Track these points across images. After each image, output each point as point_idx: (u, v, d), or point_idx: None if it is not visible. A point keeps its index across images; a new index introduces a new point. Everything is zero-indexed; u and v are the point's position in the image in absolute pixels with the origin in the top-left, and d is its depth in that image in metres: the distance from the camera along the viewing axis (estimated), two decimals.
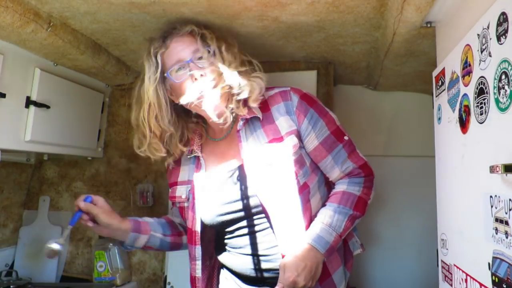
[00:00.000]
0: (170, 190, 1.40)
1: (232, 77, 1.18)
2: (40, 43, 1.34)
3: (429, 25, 1.13)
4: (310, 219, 1.21)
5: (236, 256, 1.27)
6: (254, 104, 1.22)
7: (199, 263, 1.29)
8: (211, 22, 1.29)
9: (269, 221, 1.18)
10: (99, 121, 1.91)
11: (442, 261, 1.03)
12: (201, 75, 1.17)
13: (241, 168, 1.22)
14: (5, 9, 1.12)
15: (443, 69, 1.01)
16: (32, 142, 1.47)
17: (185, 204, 1.31)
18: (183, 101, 1.20)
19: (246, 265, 1.24)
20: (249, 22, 1.31)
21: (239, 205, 1.21)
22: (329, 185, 1.31)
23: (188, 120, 1.32)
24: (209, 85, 1.17)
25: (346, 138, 1.26)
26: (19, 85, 1.41)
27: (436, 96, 1.08)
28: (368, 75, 1.87)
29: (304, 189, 1.20)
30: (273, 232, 1.18)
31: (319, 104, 1.27)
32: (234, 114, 1.23)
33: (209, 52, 1.19)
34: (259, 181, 1.18)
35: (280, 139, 1.20)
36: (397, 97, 2.04)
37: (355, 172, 1.25)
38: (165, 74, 1.22)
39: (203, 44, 1.20)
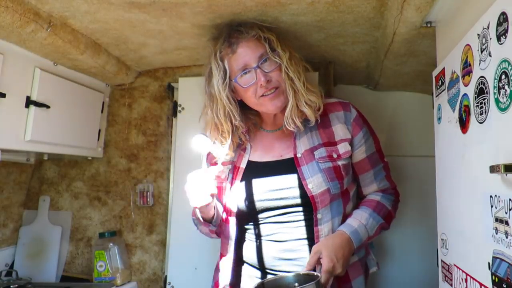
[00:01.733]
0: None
1: (301, 88, 1.24)
2: (40, 43, 1.34)
3: (429, 25, 1.13)
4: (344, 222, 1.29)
5: (263, 244, 1.29)
6: (312, 118, 1.28)
7: (232, 243, 1.32)
8: (274, 24, 1.31)
9: (313, 215, 1.23)
10: (99, 121, 1.91)
11: (442, 261, 1.03)
12: (268, 80, 1.23)
13: (292, 161, 1.28)
14: (5, 9, 1.12)
15: (443, 69, 1.01)
16: (32, 142, 1.47)
17: (224, 184, 1.37)
18: (245, 101, 1.31)
19: (272, 252, 1.27)
20: (249, 22, 1.31)
21: (285, 194, 1.26)
22: (356, 200, 1.40)
23: (247, 111, 1.38)
24: (273, 90, 1.24)
25: (385, 160, 1.41)
26: (19, 85, 1.41)
27: (436, 96, 1.08)
28: (368, 75, 1.87)
29: (345, 194, 1.30)
30: (314, 225, 1.23)
31: (370, 124, 1.40)
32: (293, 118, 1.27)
33: (274, 56, 1.23)
34: (311, 176, 1.25)
35: (334, 143, 1.29)
36: (397, 97, 2.03)
37: (389, 191, 1.39)
38: (233, 80, 1.27)
39: (268, 49, 1.24)
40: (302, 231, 1.26)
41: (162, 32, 1.44)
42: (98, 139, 1.92)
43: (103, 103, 1.94)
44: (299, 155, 1.28)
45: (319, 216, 1.23)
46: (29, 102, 1.44)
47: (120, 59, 1.74)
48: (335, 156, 1.27)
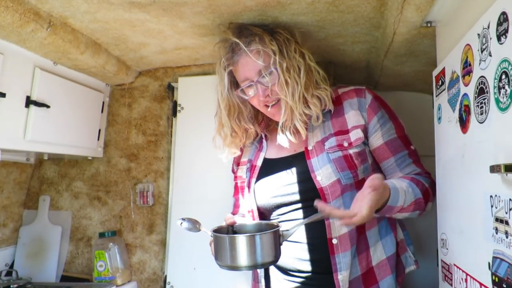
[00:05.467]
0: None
1: (294, 105, 1.22)
2: (40, 42, 1.34)
3: (429, 25, 1.13)
4: None
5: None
6: (303, 132, 1.25)
7: None
8: (273, 24, 1.32)
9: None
10: (99, 120, 1.91)
11: (442, 260, 1.03)
12: (267, 95, 1.24)
13: (303, 154, 1.26)
14: (5, 8, 1.12)
15: (443, 68, 1.01)
16: (32, 141, 1.47)
17: (245, 184, 1.39)
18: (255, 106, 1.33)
19: (288, 253, 1.24)
20: (249, 22, 1.31)
21: (295, 188, 1.24)
22: None
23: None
24: (274, 103, 1.26)
25: (412, 147, 1.29)
26: (19, 85, 1.41)
27: (436, 96, 1.08)
28: (368, 74, 1.87)
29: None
30: (325, 219, 1.18)
31: (391, 109, 1.31)
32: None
33: (272, 72, 1.23)
34: (320, 168, 1.22)
35: (346, 131, 1.25)
36: (397, 96, 2.03)
37: (422, 175, 1.23)
38: (237, 91, 1.30)
39: (267, 65, 1.23)
40: (316, 228, 1.20)
41: (162, 32, 1.44)
42: (98, 139, 1.92)
43: (103, 103, 1.94)
44: (310, 147, 1.26)
45: None
46: (29, 102, 1.44)
47: (120, 58, 1.74)
48: (346, 144, 1.22)
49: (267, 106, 1.27)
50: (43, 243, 1.92)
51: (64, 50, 1.44)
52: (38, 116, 1.47)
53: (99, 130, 1.93)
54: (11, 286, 1.68)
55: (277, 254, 1.06)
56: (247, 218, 1.37)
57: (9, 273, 1.80)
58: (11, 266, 1.89)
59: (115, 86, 1.98)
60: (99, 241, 1.86)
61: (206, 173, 1.83)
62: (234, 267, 1.04)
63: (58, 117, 1.60)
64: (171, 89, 1.95)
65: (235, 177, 1.49)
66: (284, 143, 1.27)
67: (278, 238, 1.06)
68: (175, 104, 1.93)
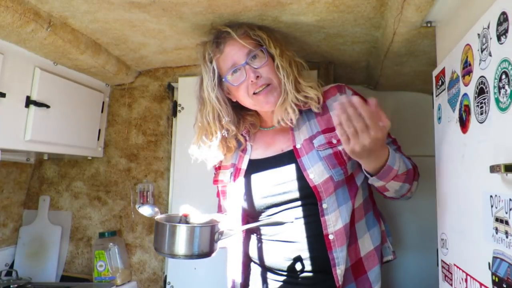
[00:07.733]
0: (214, 174, 1.46)
1: (288, 86, 1.22)
2: (40, 42, 1.34)
3: (429, 25, 1.13)
4: (353, 212, 1.23)
5: (269, 244, 1.28)
6: (315, 109, 1.26)
7: (239, 244, 1.32)
8: (273, 24, 1.32)
9: (318, 205, 1.19)
10: (99, 120, 1.91)
11: (442, 260, 1.03)
12: (257, 76, 1.21)
13: (292, 153, 1.25)
14: (5, 8, 1.12)
15: (443, 68, 1.01)
16: (32, 141, 1.47)
17: (227, 188, 1.37)
18: (240, 101, 1.29)
19: (279, 253, 1.24)
20: (249, 22, 1.31)
21: (287, 188, 1.23)
22: (371, 191, 1.35)
23: (244, 113, 1.37)
24: (264, 87, 1.22)
25: (393, 136, 1.33)
26: (19, 85, 1.41)
27: (436, 96, 1.08)
28: (368, 74, 1.87)
29: (351, 180, 1.24)
30: (320, 216, 1.19)
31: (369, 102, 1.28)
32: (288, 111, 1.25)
33: (262, 51, 1.22)
34: (312, 166, 1.21)
35: (333, 129, 1.23)
36: (397, 96, 2.03)
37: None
38: (223, 79, 1.26)
39: (256, 44, 1.23)
40: (310, 227, 1.21)
41: (162, 32, 1.44)
42: (98, 139, 1.92)
43: (103, 103, 1.94)
44: (298, 145, 1.25)
45: (324, 206, 1.19)
46: (29, 102, 1.44)
47: (120, 58, 1.74)
48: (334, 141, 1.22)
49: (256, 95, 1.23)
50: (43, 243, 1.92)
51: (64, 50, 1.44)
52: (38, 116, 1.47)
53: (99, 130, 1.93)
54: (11, 286, 1.68)
55: (212, 248, 1.12)
56: (233, 220, 1.33)
57: (9, 273, 1.80)
58: (11, 266, 1.89)
59: (115, 86, 1.98)
60: (99, 241, 1.86)
61: (206, 173, 1.83)
62: (171, 255, 1.09)
63: (58, 117, 1.60)
64: (171, 89, 1.95)
65: (215, 181, 1.44)
66: (278, 124, 1.26)
67: (214, 234, 1.11)
68: (175, 104, 1.93)
